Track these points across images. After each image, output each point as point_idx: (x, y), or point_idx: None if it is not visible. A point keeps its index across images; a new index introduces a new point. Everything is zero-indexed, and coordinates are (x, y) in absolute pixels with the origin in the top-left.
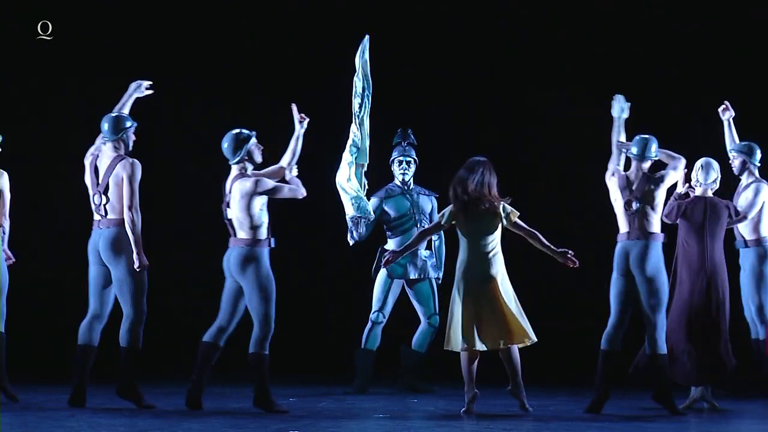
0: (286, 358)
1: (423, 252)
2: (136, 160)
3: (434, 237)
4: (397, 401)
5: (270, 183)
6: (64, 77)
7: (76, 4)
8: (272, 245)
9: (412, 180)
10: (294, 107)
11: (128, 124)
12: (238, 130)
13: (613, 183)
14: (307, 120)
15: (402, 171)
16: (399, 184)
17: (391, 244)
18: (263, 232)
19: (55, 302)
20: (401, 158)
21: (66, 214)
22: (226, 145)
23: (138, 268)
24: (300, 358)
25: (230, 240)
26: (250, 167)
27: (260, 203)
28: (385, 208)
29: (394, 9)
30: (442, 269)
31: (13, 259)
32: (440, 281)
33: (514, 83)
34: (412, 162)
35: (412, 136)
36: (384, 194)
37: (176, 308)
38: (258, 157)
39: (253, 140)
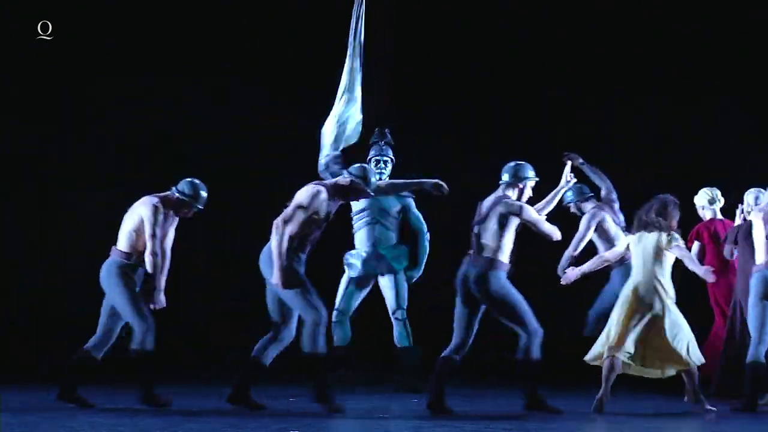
0: (288, 357)
1: (381, 250)
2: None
3: (422, 233)
4: (397, 401)
5: (534, 214)
6: (64, 77)
7: (76, 4)
8: (508, 270)
9: (387, 179)
10: (569, 164)
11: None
12: (527, 165)
13: (758, 218)
14: (574, 181)
15: (379, 170)
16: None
17: (356, 240)
18: (505, 256)
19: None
20: (378, 157)
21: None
22: (513, 170)
23: None
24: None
25: (469, 257)
26: (513, 199)
27: (513, 228)
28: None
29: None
30: (422, 268)
31: (164, 305)
32: (414, 280)
33: (508, 82)
34: (389, 161)
35: (388, 135)
36: None
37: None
38: (524, 198)
39: (532, 183)
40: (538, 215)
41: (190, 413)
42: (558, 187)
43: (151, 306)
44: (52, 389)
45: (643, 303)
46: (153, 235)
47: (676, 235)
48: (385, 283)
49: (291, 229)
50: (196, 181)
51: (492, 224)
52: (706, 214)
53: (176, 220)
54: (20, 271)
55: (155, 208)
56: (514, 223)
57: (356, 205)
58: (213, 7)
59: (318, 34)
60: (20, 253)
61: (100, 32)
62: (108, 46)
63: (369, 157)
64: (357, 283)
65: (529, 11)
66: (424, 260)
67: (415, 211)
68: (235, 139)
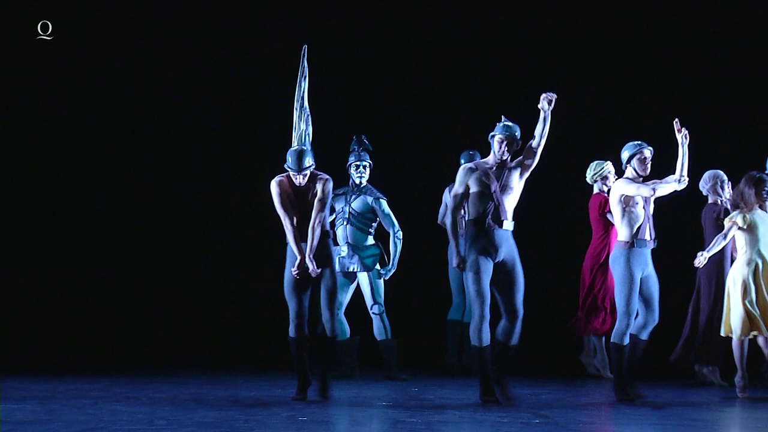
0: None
1: (355, 249)
2: None
3: (392, 232)
4: (399, 390)
5: (647, 188)
6: (64, 77)
7: (76, 4)
8: (652, 246)
9: (365, 181)
10: (676, 122)
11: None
12: (636, 142)
13: None
14: (688, 140)
15: (359, 174)
16: (353, 185)
17: (338, 237)
18: (633, 232)
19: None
20: (358, 163)
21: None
22: (626, 151)
23: None
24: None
25: None
26: (632, 174)
27: (635, 203)
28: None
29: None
30: (395, 266)
31: (312, 269)
32: (387, 277)
33: (508, 82)
34: (368, 165)
35: (366, 141)
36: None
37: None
38: (641, 169)
39: (640, 154)
40: (651, 187)
41: (205, 402)
42: (682, 149)
43: (296, 274)
44: (66, 380)
45: (739, 279)
46: (283, 211)
47: (734, 215)
48: (363, 279)
49: (464, 212)
50: (294, 145)
51: (614, 200)
52: (594, 188)
53: (314, 189)
54: (20, 270)
55: (275, 186)
56: (634, 198)
57: (336, 206)
58: (213, 7)
59: (317, 34)
60: (20, 252)
61: (100, 32)
62: (108, 46)
63: (348, 163)
64: (344, 275)
65: (529, 11)
66: (396, 258)
67: (387, 210)
68: (235, 138)
